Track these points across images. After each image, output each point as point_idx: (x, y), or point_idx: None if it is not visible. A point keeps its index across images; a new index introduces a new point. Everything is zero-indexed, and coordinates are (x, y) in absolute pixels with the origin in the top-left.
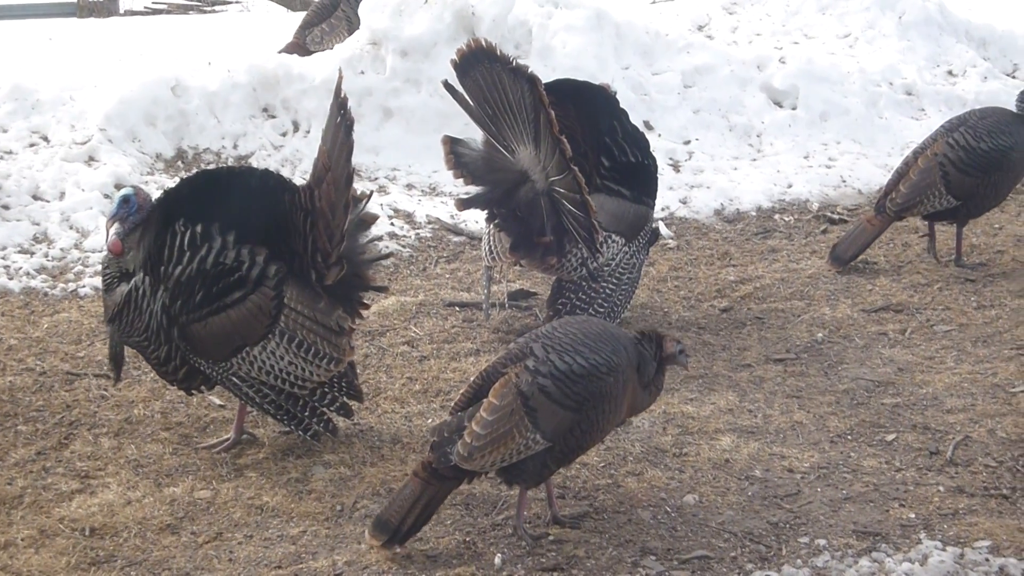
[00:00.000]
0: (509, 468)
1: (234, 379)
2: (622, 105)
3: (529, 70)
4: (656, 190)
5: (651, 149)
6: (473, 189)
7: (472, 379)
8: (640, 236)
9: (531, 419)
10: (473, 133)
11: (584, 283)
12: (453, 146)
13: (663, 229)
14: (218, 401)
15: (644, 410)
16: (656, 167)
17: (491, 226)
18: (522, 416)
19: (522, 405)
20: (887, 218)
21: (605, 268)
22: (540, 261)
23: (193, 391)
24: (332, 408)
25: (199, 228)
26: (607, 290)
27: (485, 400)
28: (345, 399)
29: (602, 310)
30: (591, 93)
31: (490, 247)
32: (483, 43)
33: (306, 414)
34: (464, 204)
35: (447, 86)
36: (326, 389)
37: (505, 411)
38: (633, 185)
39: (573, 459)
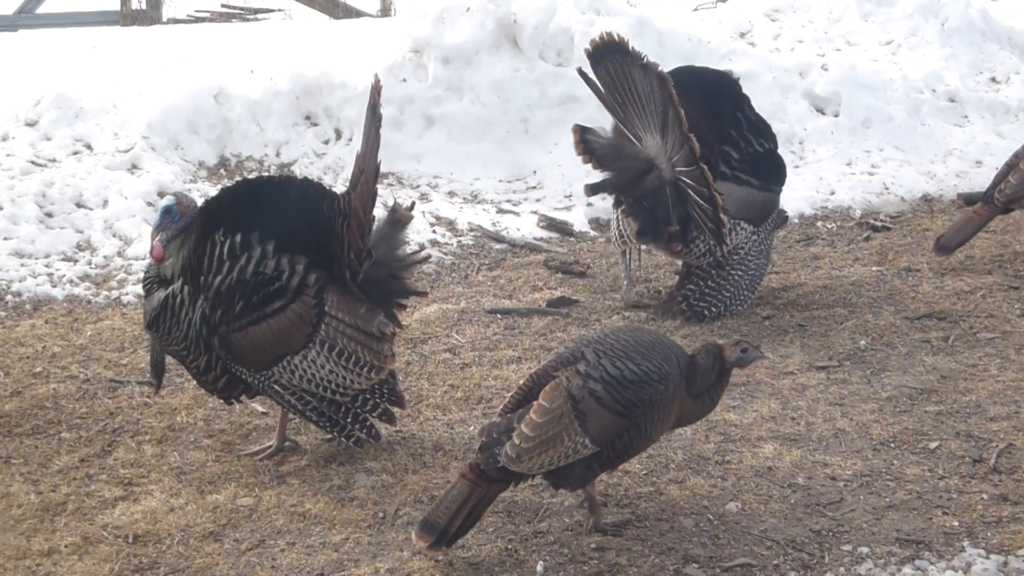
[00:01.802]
0: (556, 471)
1: (276, 387)
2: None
3: (659, 68)
4: (784, 176)
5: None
6: (598, 176)
7: (522, 381)
8: (768, 222)
9: (580, 423)
10: (538, 140)
11: (713, 271)
12: (583, 134)
13: None
14: (260, 408)
15: (696, 421)
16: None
17: (618, 211)
18: (572, 419)
19: (572, 408)
20: (994, 208)
21: (734, 256)
22: (666, 247)
23: (234, 400)
24: (375, 414)
25: (239, 237)
26: (735, 276)
27: (535, 402)
28: (387, 405)
29: (727, 295)
30: (714, 83)
31: (619, 231)
32: (615, 37)
33: (348, 420)
34: (593, 189)
35: (580, 73)
36: (368, 396)
37: (555, 414)
38: (760, 174)
39: (618, 464)
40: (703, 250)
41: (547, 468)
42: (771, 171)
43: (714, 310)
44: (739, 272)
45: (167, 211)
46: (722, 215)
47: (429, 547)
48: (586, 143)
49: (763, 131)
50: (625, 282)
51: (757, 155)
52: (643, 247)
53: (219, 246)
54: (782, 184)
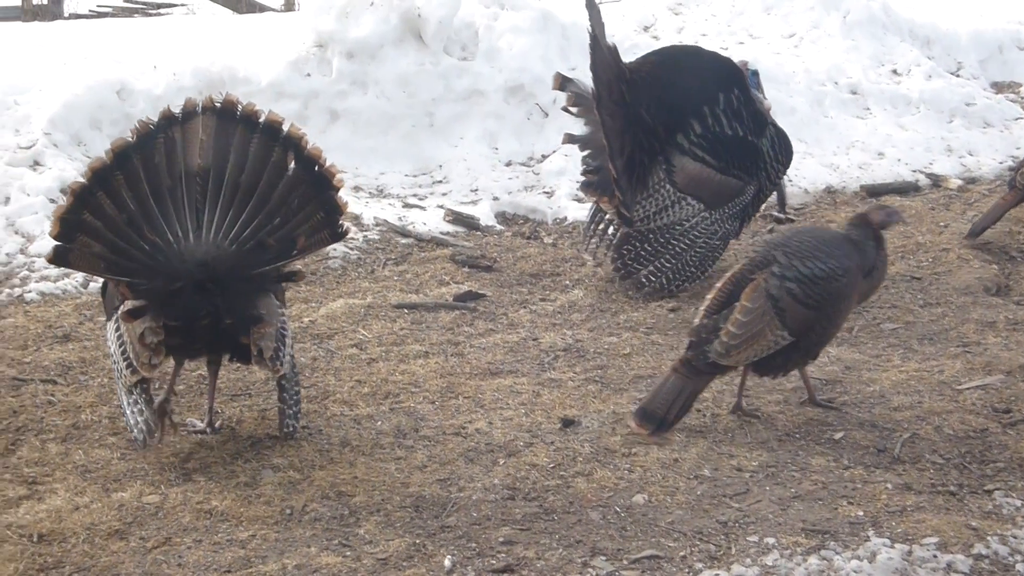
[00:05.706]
0: (759, 362)
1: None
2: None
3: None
4: (759, 168)
5: (767, 128)
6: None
7: (719, 284)
8: (727, 207)
9: (780, 319)
10: (443, 134)
11: (652, 235)
12: (563, 82)
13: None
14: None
15: (875, 291)
16: (769, 147)
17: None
18: (772, 317)
19: (772, 307)
20: (1018, 192)
21: (676, 227)
22: (604, 201)
23: None
24: (140, 419)
25: None
26: (678, 247)
27: (738, 303)
28: (147, 419)
29: (668, 265)
30: (699, 61)
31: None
32: None
33: (128, 413)
34: (568, 138)
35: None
36: (135, 397)
37: (757, 312)
38: (722, 156)
39: (816, 352)
40: (640, 215)
41: (750, 360)
42: (737, 157)
43: (653, 279)
44: (682, 245)
45: None
46: (613, 163)
47: (650, 434)
48: (576, 95)
49: (743, 119)
50: (585, 243)
51: (724, 136)
52: (592, 200)
53: None
54: (750, 175)
